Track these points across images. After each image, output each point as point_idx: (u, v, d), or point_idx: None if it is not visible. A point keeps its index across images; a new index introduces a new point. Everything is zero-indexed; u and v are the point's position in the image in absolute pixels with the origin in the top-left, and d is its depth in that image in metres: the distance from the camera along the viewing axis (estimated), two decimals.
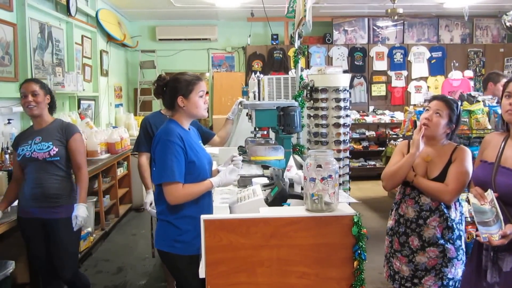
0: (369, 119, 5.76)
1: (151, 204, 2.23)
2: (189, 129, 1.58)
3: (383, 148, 5.36)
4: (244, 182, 1.94)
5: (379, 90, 6.13)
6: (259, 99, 2.94)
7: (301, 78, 2.78)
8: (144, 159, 2.25)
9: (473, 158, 2.16)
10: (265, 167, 2.08)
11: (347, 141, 2.97)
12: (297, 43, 2.71)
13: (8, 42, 2.91)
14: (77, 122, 3.58)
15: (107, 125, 4.69)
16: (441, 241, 1.60)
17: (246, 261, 1.22)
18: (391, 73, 6.10)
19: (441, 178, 1.61)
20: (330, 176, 1.20)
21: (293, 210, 1.33)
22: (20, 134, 2.08)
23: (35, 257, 2.01)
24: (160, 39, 6.12)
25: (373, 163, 5.71)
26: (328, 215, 1.23)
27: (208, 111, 1.87)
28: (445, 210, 1.61)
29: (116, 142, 3.85)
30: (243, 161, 1.96)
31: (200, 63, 6.32)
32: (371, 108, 6.11)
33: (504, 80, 2.97)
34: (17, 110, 2.95)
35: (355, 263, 1.22)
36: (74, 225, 1.95)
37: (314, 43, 6.09)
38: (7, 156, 2.49)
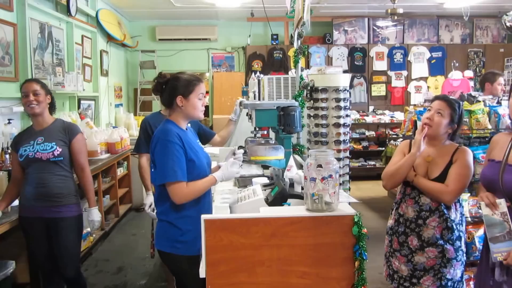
0: (369, 119, 5.76)
1: (150, 205, 2.23)
2: (186, 129, 1.59)
3: (383, 148, 5.36)
4: (244, 182, 1.94)
5: (379, 90, 6.14)
6: (259, 99, 2.94)
7: (301, 78, 2.78)
8: (145, 160, 2.25)
9: (473, 158, 2.16)
10: (265, 167, 2.08)
11: (347, 141, 2.97)
12: (296, 43, 2.70)
13: (8, 42, 2.91)
14: (77, 122, 3.58)
15: (107, 125, 4.69)
16: (440, 242, 1.60)
17: (247, 261, 1.22)
18: (391, 73, 6.10)
19: (441, 178, 1.61)
20: (330, 176, 1.21)
21: (293, 210, 1.33)
22: (19, 134, 2.08)
23: (37, 256, 2.02)
24: (160, 39, 6.12)
25: (373, 163, 5.71)
26: (329, 215, 1.23)
27: (208, 111, 1.87)
28: (445, 210, 1.61)
29: (116, 142, 3.85)
30: (243, 161, 1.97)
31: (200, 63, 6.33)
32: (371, 108, 6.11)
33: (500, 78, 2.97)
34: (17, 110, 2.95)
35: (356, 263, 1.22)
36: (91, 229, 2.00)
37: (314, 43, 6.09)
38: (7, 156, 2.49)
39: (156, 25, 6.12)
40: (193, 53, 6.26)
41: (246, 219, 1.23)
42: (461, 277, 1.64)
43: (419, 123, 1.75)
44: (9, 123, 2.78)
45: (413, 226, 1.65)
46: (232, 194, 1.71)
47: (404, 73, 6.11)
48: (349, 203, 1.35)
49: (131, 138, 4.30)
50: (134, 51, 6.01)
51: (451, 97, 1.73)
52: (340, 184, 1.35)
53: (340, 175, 1.33)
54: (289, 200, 1.43)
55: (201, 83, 1.55)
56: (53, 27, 3.58)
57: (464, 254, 1.67)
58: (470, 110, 2.18)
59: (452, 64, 4.73)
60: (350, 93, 3.15)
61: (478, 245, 2.11)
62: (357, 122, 5.68)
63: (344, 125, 2.94)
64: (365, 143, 5.80)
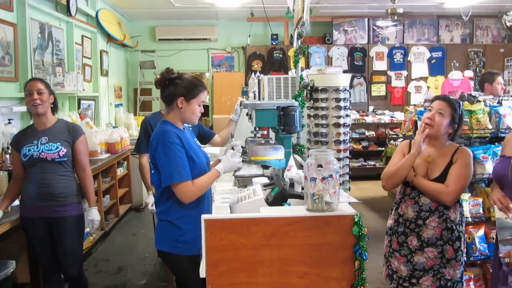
0: (369, 119, 5.76)
1: (153, 204, 2.23)
2: (183, 128, 1.59)
3: (383, 148, 5.36)
4: (244, 182, 1.94)
5: (379, 90, 6.14)
6: (259, 99, 2.94)
7: (301, 78, 2.78)
8: (145, 160, 2.25)
9: (473, 158, 2.16)
10: (265, 167, 2.08)
11: (347, 141, 2.97)
12: (296, 43, 2.70)
13: (8, 42, 2.91)
14: (77, 122, 3.58)
15: (107, 125, 4.69)
16: (440, 242, 1.60)
17: (247, 261, 1.22)
18: (391, 73, 6.10)
19: (441, 178, 1.61)
20: (330, 176, 1.21)
21: (293, 209, 1.33)
22: (20, 133, 2.08)
23: (39, 255, 2.02)
24: (160, 39, 6.12)
25: (372, 163, 5.71)
26: (329, 215, 1.23)
27: (208, 111, 1.87)
28: (444, 211, 1.61)
29: (116, 142, 3.85)
30: (243, 161, 1.96)
31: (200, 63, 6.33)
32: (371, 108, 6.11)
33: (499, 78, 2.97)
34: (17, 110, 2.95)
35: (356, 263, 1.22)
36: (91, 228, 2.02)
37: (314, 43, 6.09)
38: (7, 156, 2.48)
39: (156, 25, 6.12)
40: (193, 53, 6.26)
41: (246, 219, 1.23)
42: (461, 277, 1.64)
43: (419, 123, 1.75)
44: (9, 123, 2.78)
45: (412, 226, 1.65)
46: (232, 194, 1.71)
47: (404, 73, 6.11)
48: (349, 203, 1.35)
49: (131, 138, 4.30)
50: (134, 51, 6.01)
51: (451, 97, 1.72)
52: (340, 184, 1.35)
53: (340, 175, 1.33)
54: (289, 200, 1.43)
55: (205, 90, 1.57)
56: (53, 27, 3.58)
57: (464, 254, 1.67)
58: (470, 110, 2.18)
59: (452, 64, 4.73)
60: (350, 93, 3.15)
61: (479, 245, 2.11)
62: (357, 122, 5.68)
63: (344, 125, 2.94)
64: (365, 143, 5.80)
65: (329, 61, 6.02)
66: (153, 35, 6.16)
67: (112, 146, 3.81)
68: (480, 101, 2.22)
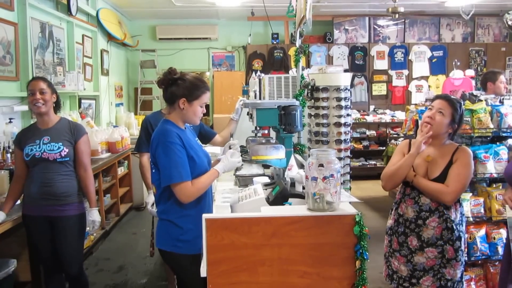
0: (370, 118, 5.75)
1: (153, 204, 2.23)
2: (184, 128, 1.59)
3: (384, 148, 5.35)
4: (245, 181, 1.94)
5: (379, 89, 6.12)
6: (260, 98, 2.94)
7: (302, 77, 2.78)
8: (146, 159, 2.25)
9: (475, 158, 2.15)
10: (266, 166, 2.08)
11: (348, 140, 2.97)
12: (298, 42, 2.70)
13: (9, 41, 2.91)
14: (78, 121, 3.59)
15: (108, 124, 4.69)
16: (440, 242, 1.60)
17: (248, 260, 1.22)
18: (392, 72, 6.09)
19: (441, 178, 1.60)
20: (332, 175, 1.20)
21: (294, 209, 1.33)
22: (22, 131, 2.08)
23: (40, 254, 2.03)
24: (160, 39, 6.12)
25: (373, 162, 5.70)
26: (330, 214, 1.23)
27: (208, 110, 1.87)
28: (444, 211, 1.61)
29: (117, 141, 3.85)
30: (244, 160, 1.96)
31: (200, 62, 6.32)
32: (372, 107, 6.10)
33: (501, 76, 2.96)
34: (18, 109, 2.95)
35: (357, 262, 1.22)
36: (91, 229, 2.03)
37: (314, 42, 6.08)
38: (8, 155, 2.49)
39: (156, 24, 6.12)
40: (194, 52, 6.25)
41: (247, 219, 1.23)
42: (461, 277, 1.64)
43: (420, 122, 1.74)
44: (10, 122, 2.78)
45: (412, 226, 1.64)
46: (233, 193, 1.71)
47: (405, 72, 6.09)
48: (350, 203, 1.35)
49: (131, 138, 4.31)
50: (134, 51, 6.01)
51: (452, 96, 1.72)
52: (341, 183, 1.35)
53: (341, 175, 1.33)
54: (290, 200, 1.43)
55: (208, 92, 1.56)
56: (53, 27, 3.58)
57: (464, 254, 1.66)
58: (472, 109, 2.17)
59: (454, 63, 4.72)
60: (350, 92, 3.15)
61: (480, 245, 2.11)
62: (357, 121, 5.67)
63: (345, 124, 2.94)
64: (365, 143, 5.79)
65: (329, 60, 6.01)
66: (154, 34, 6.16)
67: (112, 145, 3.81)
68: (481, 100, 2.22)
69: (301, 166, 1.78)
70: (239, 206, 1.42)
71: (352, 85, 5.90)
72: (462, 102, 1.72)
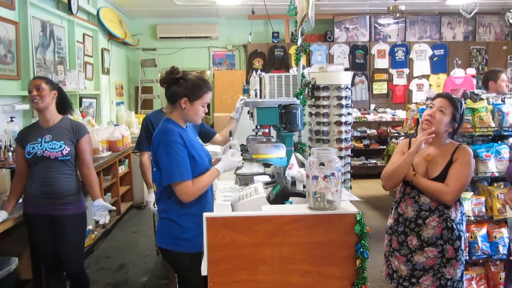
0: (370, 117, 5.74)
1: (154, 203, 2.23)
2: (186, 126, 1.59)
3: (384, 147, 5.35)
4: (246, 180, 1.94)
5: (380, 88, 6.11)
6: (260, 97, 2.94)
7: (303, 76, 2.77)
8: (146, 158, 2.25)
9: (476, 157, 2.15)
10: (267, 165, 2.07)
11: (349, 139, 2.96)
12: (300, 40, 2.69)
13: (10, 40, 2.91)
14: (78, 120, 3.59)
15: (109, 123, 4.70)
16: (440, 241, 1.59)
17: (248, 259, 1.22)
18: (393, 71, 6.08)
19: (441, 178, 1.59)
20: (333, 174, 1.20)
21: (295, 208, 1.33)
22: (25, 130, 2.08)
23: (42, 252, 2.03)
24: (161, 37, 6.11)
25: (374, 161, 5.70)
26: (331, 213, 1.23)
27: (209, 109, 1.87)
28: (444, 210, 1.60)
29: (118, 140, 3.86)
30: (244, 159, 1.96)
31: (200, 61, 6.32)
32: (373, 106, 6.09)
33: (503, 75, 2.95)
34: (19, 108, 2.96)
35: (358, 261, 1.22)
36: (104, 218, 2.02)
37: (315, 41, 6.07)
38: (10, 153, 2.49)
39: (157, 23, 6.11)
40: (194, 51, 6.25)
41: (248, 217, 1.23)
42: (461, 276, 1.63)
43: (421, 121, 1.74)
44: (11, 121, 2.79)
45: (412, 225, 1.64)
46: (234, 192, 1.71)
47: (406, 71, 6.08)
48: (351, 202, 1.35)
49: (132, 136, 4.31)
50: (135, 49, 6.01)
51: (453, 95, 1.71)
52: (342, 182, 1.35)
53: (341, 173, 1.33)
54: (291, 199, 1.43)
55: (210, 92, 1.56)
56: (54, 26, 3.58)
57: (464, 254, 1.66)
58: (473, 108, 2.17)
59: (455, 61, 4.70)
60: (351, 91, 3.14)
61: (481, 244, 2.10)
62: (358, 120, 5.66)
63: (345, 123, 2.94)
64: (366, 141, 5.79)
65: (330, 59, 5.99)
66: (154, 33, 6.15)
67: (113, 144, 3.82)
68: (483, 99, 2.21)
69: (301, 165, 1.78)
70: (240, 205, 1.42)
71: (352, 84, 5.90)
72: (463, 101, 1.71)
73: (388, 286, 1.96)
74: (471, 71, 4.70)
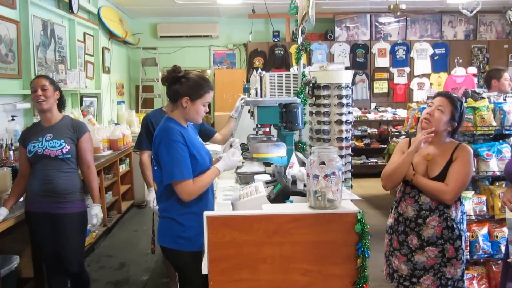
0: (371, 116, 5.73)
1: (154, 201, 2.24)
2: (186, 125, 1.59)
3: (385, 146, 5.34)
4: (246, 179, 1.94)
5: (381, 87, 6.10)
6: (261, 96, 2.93)
7: (303, 75, 2.77)
8: (146, 157, 2.26)
9: (477, 156, 2.14)
10: (267, 164, 2.07)
11: (349, 138, 2.96)
12: (300, 39, 2.69)
13: (11, 39, 2.91)
14: (79, 119, 3.59)
15: (109, 122, 4.70)
16: (441, 241, 1.59)
17: (249, 258, 1.22)
18: (393, 70, 6.07)
19: (441, 177, 1.59)
20: (333, 173, 1.20)
21: (296, 207, 1.33)
22: (27, 129, 2.10)
23: (43, 250, 2.04)
24: (161, 36, 6.11)
25: (374, 160, 5.69)
26: (331, 212, 1.23)
27: (209, 108, 1.87)
28: (445, 209, 1.60)
29: (118, 139, 3.86)
30: (245, 158, 1.96)
31: (201, 60, 6.31)
32: (373, 105, 6.08)
33: (506, 74, 2.94)
34: (20, 107, 2.96)
35: (358, 260, 1.22)
36: (95, 223, 2.06)
37: (315, 39, 6.06)
38: (11, 152, 2.49)
39: (157, 22, 6.11)
40: (195, 50, 6.24)
41: (249, 216, 1.23)
42: (462, 275, 1.63)
43: (420, 120, 1.73)
44: (12, 119, 2.79)
45: (413, 225, 1.64)
46: (234, 191, 1.71)
47: (407, 69, 6.07)
48: (352, 201, 1.35)
49: (133, 135, 4.31)
50: (135, 48, 6.01)
51: (453, 94, 1.70)
52: (343, 181, 1.34)
53: (342, 172, 1.33)
54: (291, 197, 1.43)
55: (211, 91, 1.56)
56: (55, 25, 3.58)
57: (465, 253, 1.66)
58: (474, 107, 2.16)
59: (456, 60, 4.69)
60: (352, 90, 3.13)
61: (482, 243, 2.10)
62: (359, 119, 5.66)
63: (346, 122, 2.94)
64: (367, 140, 5.78)
65: (331, 58, 5.99)
66: (155, 32, 6.15)
67: (114, 143, 3.82)
68: (484, 98, 2.20)
69: (302, 164, 1.78)
70: (241, 204, 1.42)
71: (353, 83, 5.89)
72: (463, 100, 1.71)
73: (388, 285, 1.96)
74: (472, 69, 4.70)
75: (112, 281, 2.75)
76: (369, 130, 5.78)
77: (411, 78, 6.07)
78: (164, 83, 1.56)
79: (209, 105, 1.62)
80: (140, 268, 2.96)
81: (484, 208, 2.16)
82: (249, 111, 2.10)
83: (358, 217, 1.21)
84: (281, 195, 1.41)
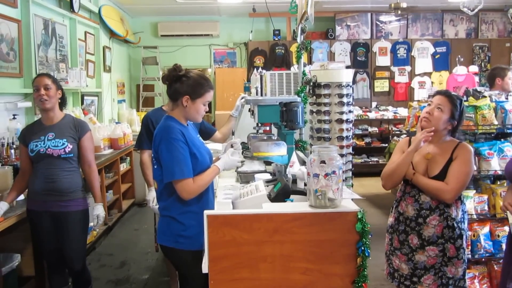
0: (372, 115, 5.72)
1: (153, 201, 2.24)
2: (187, 124, 1.59)
3: (386, 145, 5.34)
4: (247, 178, 1.94)
5: (382, 85, 6.09)
6: (261, 95, 2.93)
7: (304, 74, 2.76)
8: (146, 156, 2.26)
9: (479, 154, 2.14)
10: (268, 163, 2.07)
11: (350, 137, 2.96)
12: (300, 38, 2.68)
13: (13, 38, 2.91)
14: (80, 117, 3.60)
15: (110, 121, 4.71)
16: (441, 240, 1.59)
17: (249, 257, 1.22)
18: (394, 69, 6.05)
19: (441, 176, 1.58)
20: (334, 172, 1.20)
21: (296, 206, 1.33)
22: (27, 127, 2.09)
23: (44, 249, 2.05)
24: (162, 35, 6.11)
25: (375, 159, 5.69)
26: (332, 211, 1.23)
27: (210, 107, 1.88)
28: (445, 209, 1.59)
29: (119, 138, 3.87)
30: (245, 157, 1.96)
31: (202, 59, 6.31)
32: (374, 104, 6.07)
33: (510, 73, 2.92)
34: (22, 106, 2.97)
35: (358, 259, 1.22)
36: (95, 224, 2.05)
37: (316, 38, 6.04)
38: (12, 151, 2.50)
39: (158, 21, 6.11)
40: (195, 49, 6.24)
41: (249, 215, 1.23)
42: (463, 275, 1.63)
43: (420, 119, 1.73)
44: (14, 118, 2.80)
45: (413, 224, 1.63)
46: (235, 190, 1.71)
47: (408, 68, 6.05)
48: (352, 200, 1.35)
49: (133, 134, 4.32)
50: (136, 47, 6.01)
51: (453, 93, 1.70)
52: (343, 180, 1.34)
53: (343, 172, 1.32)
54: (292, 196, 1.43)
55: (211, 90, 1.56)
56: (56, 23, 3.59)
57: (466, 252, 1.65)
58: (476, 105, 2.15)
59: (457, 59, 4.68)
60: (352, 88, 3.13)
61: (484, 243, 2.10)
62: (359, 118, 5.65)
63: (346, 121, 2.93)
64: (368, 139, 5.77)
65: (331, 57, 5.97)
66: (156, 31, 6.15)
67: (115, 141, 3.83)
68: (485, 97, 2.20)
69: (302, 162, 1.78)
70: (241, 203, 1.42)
71: (354, 82, 5.87)
72: (463, 99, 1.70)
73: (389, 285, 1.96)
74: (474, 68, 4.68)
75: (113, 280, 2.76)
76: (370, 129, 5.77)
77: (412, 76, 6.06)
78: (164, 82, 1.56)
79: (209, 104, 1.62)
80: (140, 266, 2.96)
81: (486, 207, 2.16)
82: (249, 110, 2.09)
83: (359, 216, 1.21)
84: (281, 194, 1.41)
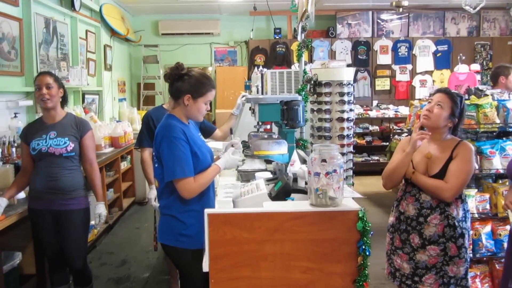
0: (373, 113, 5.71)
1: (155, 199, 2.24)
2: (188, 123, 1.59)
3: (387, 143, 5.33)
4: (247, 176, 1.93)
5: (383, 84, 6.08)
6: (262, 93, 2.92)
7: (305, 72, 2.75)
8: (147, 154, 2.26)
9: (480, 153, 2.13)
10: (268, 161, 2.07)
11: (351, 135, 2.95)
12: (300, 37, 2.67)
13: (14, 36, 2.91)
14: (81, 116, 3.60)
15: (111, 119, 4.71)
16: (442, 239, 1.58)
17: (250, 256, 1.22)
18: (396, 67, 6.03)
19: (441, 174, 1.58)
20: (335, 171, 1.20)
21: (297, 204, 1.32)
22: (29, 126, 2.09)
23: (45, 247, 2.05)
24: (163, 34, 6.10)
25: (376, 158, 5.68)
26: (333, 210, 1.22)
27: (211, 106, 1.87)
28: (446, 208, 1.59)
29: (120, 136, 3.87)
30: (246, 155, 1.96)
31: (202, 58, 6.30)
32: (375, 102, 6.06)
33: None
34: (23, 104, 2.97)
35: (359, 258, 1.22)
36: (97, 223, 2.06)
37: (317, 36, 6.03)
38: (13, 149, 2.50)
39: (159, 19, 6.10)
40: (196, 47, 6.23)
41: (250, 214, 1.23)
42: (465, 274, 1.62)
43: (421, 116, 1.72)
44: (15, 117, 2.80)
45: (414, 224, 1.63)
46: (235, 188, 1.71)
47: (409, 67, 6.03)
48: (353, 198, 1.34)
49: (134, 132, 4.32)
50: (137, 46, 6.01)
51: (453, 90, 1.69)
52: (344, 179, 1.34)
53: (343, 170, 1.32)
54: (292, 195, 1.43)
55: (213, 90, 1.56)
56: (57, 22, 3.58)
57: (468, 251, 1.65)
58: (477, 104, 2.14)
59: (458, 57, 4.65)
60: (353, 87, 3.12)
61: (485, 242, 2.09)
62: (360, 116, 5.64)
63: (347, 119, 2.92)
64: (368, 138, 5.77)
65: (332, 55, 5.96)
66: (156, 30, 6.14)
67: (115, 140, 3.83)
68: (487, 95, 2.19)
69: (303, 161, 1.77)
70: (241, 201, 1.42)
71: (355, 80, 5.85)
72: (464, 97, 1.69)
73: (390, 284, 1.96)
74: (475, 66, 4.66)
75: (114, 278, 2.77)
76: (370, 128, 5.76)
77: (413, 75, 6.04)
78: (166, 80, 1.56)
79: (210, 103, 1.62)
80: (141, 265, 2.97)
81: (487, 206, 2.15)
82: (250, 109, 2.09)
83: (360, 215, 1.21)
84: (282, 192, 1.41)
